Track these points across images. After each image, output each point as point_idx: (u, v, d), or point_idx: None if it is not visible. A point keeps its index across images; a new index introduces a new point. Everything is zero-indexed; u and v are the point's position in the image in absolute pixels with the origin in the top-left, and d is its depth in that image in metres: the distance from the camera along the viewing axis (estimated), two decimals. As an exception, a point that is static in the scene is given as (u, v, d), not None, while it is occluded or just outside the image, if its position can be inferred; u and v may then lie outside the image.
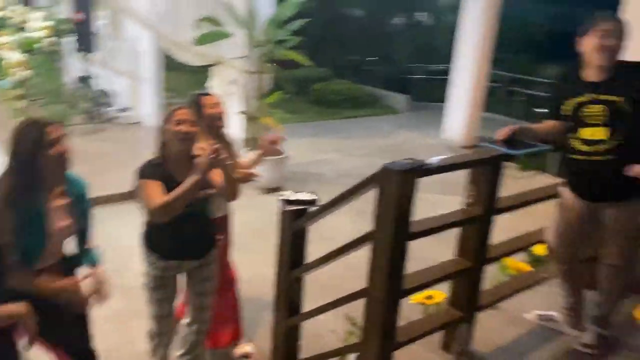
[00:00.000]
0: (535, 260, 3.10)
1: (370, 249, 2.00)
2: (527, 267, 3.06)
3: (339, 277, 3.04)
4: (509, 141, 2.30)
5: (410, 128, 8.41)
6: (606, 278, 2.61)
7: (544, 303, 2.92)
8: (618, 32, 2.25)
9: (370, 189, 2.01)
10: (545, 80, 10.19)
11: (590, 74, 2.35)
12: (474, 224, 2.27)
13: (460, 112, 7.65)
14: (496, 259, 2.55)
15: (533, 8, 14.05)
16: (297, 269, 2.52)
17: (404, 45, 13.57)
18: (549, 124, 2.50)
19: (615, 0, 2.59)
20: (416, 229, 2.01)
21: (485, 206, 2.26)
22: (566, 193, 2.56)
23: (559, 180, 2.62)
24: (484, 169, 2.22)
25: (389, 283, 1.97)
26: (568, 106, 2.39)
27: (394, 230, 1.91)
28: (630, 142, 2.28)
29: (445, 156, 2.18)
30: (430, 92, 10.60)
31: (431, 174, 1.99)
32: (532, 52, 12.87)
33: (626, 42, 2.26)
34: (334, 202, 2.19)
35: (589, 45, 2.28)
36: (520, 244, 2.72)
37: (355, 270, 2.43)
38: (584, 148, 2.35)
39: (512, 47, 11.63)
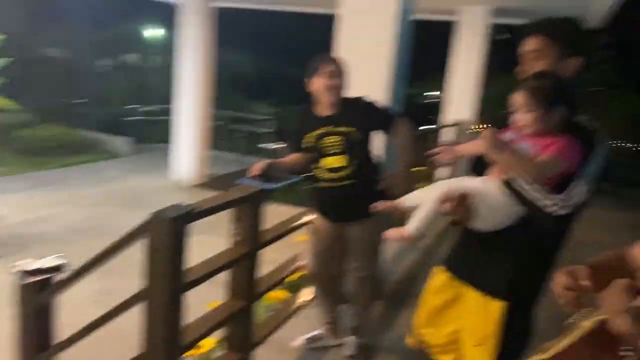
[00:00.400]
0: (291, 287, 3.27)
1: (144, 308, 1.80)
2: (285, 294, 3.20)
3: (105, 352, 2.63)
4: (263, 176, 2.40)
5: (137, 172, 8.03)
6: (358, 290, 2.92)
7: (308, 325, 3.09)
8: (339, 72, 2.57)
9: (135, 242, 1.83)
10: (261, 117, 11.08)
11: (322, 110, 2.62)
12: (243, 262, 2.27)
13: (187, 152, 7.68)
14: (265, 292, 2.60)
15: (244, 52, 15.23)
16: (46, 352, 2.11)
17: (115, 86, 13.02)
18: (293, 157, 2.69)
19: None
20: (191, 278, 1.90)
21: (251, 243, 2.29)
22: (317, 218, 2.79)
23: (310, 208, 2.84)
24: (246, 206, 2.24)
25: (166, 342, 1.80)
26: (308, 140, 2.62)
27: (169, 284, 1.77)
28: (365, 164, 2.63)
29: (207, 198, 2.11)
30: (152, 134, 10.36)
31: (201, 218, 1.91)
32: (246, 92, 13.90)
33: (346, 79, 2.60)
34: (93, 262, 1.91)
35: (317, 85, 2.55)
36: (283, 274, 2.84)
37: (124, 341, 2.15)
38: (328, 176, 2.60)
39: (229, 88, 12.30)
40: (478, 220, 1.66)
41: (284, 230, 2.71)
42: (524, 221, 1.62)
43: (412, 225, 1.73)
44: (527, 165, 1.56)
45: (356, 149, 2.59)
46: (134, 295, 1.83)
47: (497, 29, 8.78)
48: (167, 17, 9.19)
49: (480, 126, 8.46)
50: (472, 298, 1.81)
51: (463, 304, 1.86)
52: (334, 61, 2.58)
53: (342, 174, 2.58)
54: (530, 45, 1.71)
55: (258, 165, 2.43)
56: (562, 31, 1.69)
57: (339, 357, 2.89)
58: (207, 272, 2.00)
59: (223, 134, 10.59)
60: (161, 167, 7.94)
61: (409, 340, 2.09)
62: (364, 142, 2.63)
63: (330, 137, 2.58)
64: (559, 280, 1.20)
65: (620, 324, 0.82)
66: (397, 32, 3.34)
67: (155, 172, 7.98)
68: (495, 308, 1.72)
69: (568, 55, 1.67)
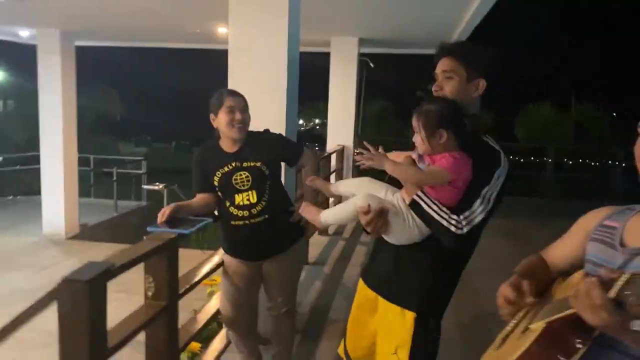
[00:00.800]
0: (207, 336, 3.08)
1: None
2: (199, 345, 3.00)
3: None
4: (172, 222, 2.24)
5: (1, 228, 7.15)
6: (277, 328, 2.82)
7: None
8: (245, 106, 2.51)
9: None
10: (131, 159, 10.50)
11: (228, 146, 2.53)
12: (164, 316, 2.08)
13: (56, 202, 7.06)
14: (186, 345, 2.41)
15: (109, 92, 14.44)
16: None
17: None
18: (201, 198, 2.55)
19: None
20: (113, 342, 1.69)
21: (169, 294, 2.11)
22: (229, 259, 2.65)
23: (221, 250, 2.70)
24: (161, 256, 2.07)
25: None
26: (216, 178, 2.50)
27: (91, 352, 1.56)
28: (277, 198, 2.57)
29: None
30: (13, 185, 9.33)
31: (116, 276, 1.71)
32: (112, 133, 13.14)
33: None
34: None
35: (222, 121, 2.46)
36: (199, 324, 2.65)
37: None
38: (240, 213, 2.49)
39: (94, 129, 11.56)
40: (391, 235, 1.75)
41: (200, 276, 2.54)
42: (434, 237, 1.71)
43: (328, 217, 1.87)
44: (411, 175, 1.70)
45: (266, 183, 2.53)
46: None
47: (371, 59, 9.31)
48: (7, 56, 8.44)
49: (357, 150, 8.84)
50: (386, 309, 1.86)
51: (379, 315, 1.90)
52: (238, 95, 2.51)
53: (255, 210, 2.50)
54: (442, 66, 1.81)
55: (166, 210, 2.27)
56: (471, 55, 1.79)
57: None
58: (129, 334, 1.80)
59: (93, 179, 9.86)
60: (27, 220, 7.16)
61: (339, 350, 2.10)
62: (274, 175, 2.57)
63: (239, 173, 2.49)
64: (505, 293, 1.26)
65: (597, 318, 0.88)
66: (287, 64, 3.36)
67: (23, 227, 7.17)
68: (408, 319, 1.79)
69: (476, 77, 1.78)
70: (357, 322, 2.01)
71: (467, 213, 1.64)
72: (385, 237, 1.79)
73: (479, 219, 1.64)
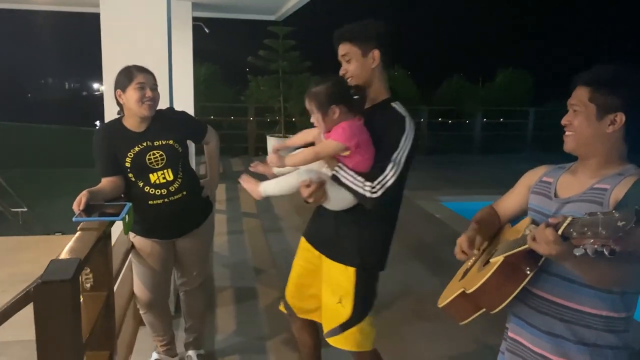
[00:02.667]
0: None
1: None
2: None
3: None
4: (88, 209, 2.13)
5: None
6: (192, 302, 2.87)
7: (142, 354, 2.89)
8: (154, 83, 2.44)
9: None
10: None
11: (135, 125, 2.45)
12: (108, 306, 2.02)
13: None
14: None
15: None
16: None
17: None
18: (111, 181, 2.43)
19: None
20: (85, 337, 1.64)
21: (108, 284, 2.05)
22: (142, 241, 2.60)
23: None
24: (97, 245, 1.99)
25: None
26: (128, 159, 2.42)
27: (74, 350, 1.51)
28: (189, 175, 2.59)
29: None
30: None
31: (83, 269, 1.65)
32: None
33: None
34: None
35: (131, 98, 2.37)
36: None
37: None
38: (158, 192, 2.46)
39: None
40: (329, 203, 2.00)
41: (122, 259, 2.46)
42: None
43: (268, 189, 2.03)
44: (307, 156, 1.96)
45: (180, 161, 2.53)
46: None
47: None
48: None
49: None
50: (330, 266, 2.12)
51: (324, 271, 2.17)
52: (148, 72, 2.42)
53: (172, 187, 2.49)
54: (340, 51, 2.06)
55: (82, 198, 2.14)
56: (356, 32, 2.03)
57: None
58: (92, 328, 1.74)
59: None
60: None
61: (280, 307, 2.37)
62: (184, 153, 2.57)
63: (152, 152, 2.44)
64: (462, 243, 1.62)
65: (551, 250, 1.22)
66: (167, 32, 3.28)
67: None
68: (350, 273, 2.06)
69: (369, 50, 2.00)
70: (300, 277, 2.27)
71: (380, 178, 1.92)
72: (325, 205, 2.03)
73: (391, 181, 1.92)
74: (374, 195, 1.90)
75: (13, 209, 7.19)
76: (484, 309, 1.50)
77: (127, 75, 2.38)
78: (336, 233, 2.10)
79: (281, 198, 2.01)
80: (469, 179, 9.34)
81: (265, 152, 10.53)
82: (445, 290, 1.72)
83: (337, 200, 1.98)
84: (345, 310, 2.08)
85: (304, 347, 2.42)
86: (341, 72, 2.06)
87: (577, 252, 1.12)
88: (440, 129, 12.95)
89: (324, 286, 2.18)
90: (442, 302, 1.62)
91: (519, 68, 13.93)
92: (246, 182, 2.09)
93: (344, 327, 2.09)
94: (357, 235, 2.07)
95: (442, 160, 11.10)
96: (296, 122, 11.21)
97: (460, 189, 8.29)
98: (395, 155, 1.94)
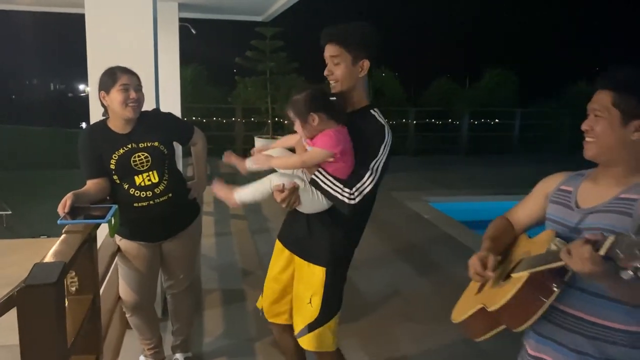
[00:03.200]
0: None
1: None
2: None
3: None
4: (73, 212, 2.11)
5: None
6: (179, 305, 2.85)
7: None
8: (138, 84, 2.42)
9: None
10: None
11: (120, 127, 2.43)
12: (94, 309, 2.00)
13: None
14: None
15: None
16: None
17: None
18: (95, 183, 2.41)
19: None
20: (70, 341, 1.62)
21: (94, 287, 2.03)
22: (127, 244, 2.58)
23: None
24: (82, 248, 1.97)
25: None
26: (113, 161, 2.40)
27: (58, 354, 1.50)
28: (175, 177, 2.57)
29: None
30: None
31: (67, 273, 1.63)
32: None
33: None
34: None
35: (115, 99, 2.34)
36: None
37: None
38: (144, 194, 2.44)
39: None
40: (302, 207, 2.01)
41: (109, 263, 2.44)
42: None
43: (242, 196, 2.04)
44: (293, 163, 1.99)
45: (165, 162, 2.51)
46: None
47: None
48: None
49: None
50: (301, 265, 2.15)
51: (295, 270, 2.20)
52: (132, 73, 2.40)
53: (158, 190, 2.47)
54: (329, 52, 2.03)
55: (67, 201, 2.11)
56: (351, 38, 2.01)
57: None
58: (77, 331, 1.72)
59: None
60: None
61: (257, 304, 2.44)
62: (170, 154, 2.55)
63: (137, 154, 2.42)
64: (474, 266, 1.49)
65: (586, 268, 1.15)
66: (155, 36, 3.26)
67: None
68: (319, 272, 2.09)
69: (360, 59, 2.00)
70: (272, 282, 2.31)
71: (358, 185, 1.94)
72: (298, 209, 2.03)
73: (369, 189, 1.94)
74: (352, 202, 1.92)
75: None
76: (503, 326, 1.42)
77: (110, 77, 2.35)
78: (308, 233, 2.12)
79: (268, 200, 2.03)
80: (456, 179, 9.39)
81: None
82: (459, 303, 1.64)
83: (311, 204, 2.00)
84: (313, 310, 2.10)
85: (286, 351, 2.41)
86: (326, 73, 2.06)
87: (625, 275, 1.04)
88: (428, 130, 13.00)
89: (295, 286, 2.20)
90: (458, 317, 1.54)
91: (506, 69, 14.04)
92: (219, 190, 2.08)
93: (311, 327, 2.11)
94: (330, 235, 2.08)
95: (429, 161, 11.16)
96: (284, 123, 11.20)
97: (447, 190, 8.34)
98: (373, 163, 1.95)
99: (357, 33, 2.02)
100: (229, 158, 2.20)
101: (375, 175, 1.95)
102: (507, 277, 1.43)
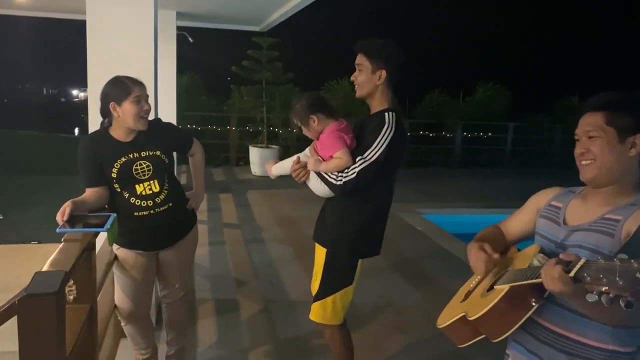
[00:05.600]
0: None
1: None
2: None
3: None
4: (71, 220, 2.12)
5: None
6: (174, 314, 2.85)
7: None
8: (147, 94, 2.45)
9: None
10: None
11: (122, 135, 2.44)
12: (91, 318, 2.00)
13: None
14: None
15: None
16: None
17: None
18: (94, 192, 2.41)
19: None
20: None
21: (92, 295, 2.03)
22: (125, 253, 2.58)
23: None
24: (82, 257, 1.97)
25: None
26: (114, 169, 2.40)
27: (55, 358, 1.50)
28: (175, 186, 2.59)
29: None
30: None
31: (67, 283, 1.64)
32: None
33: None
34: None
35: (128, 111, 2.36)
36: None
37: None
38: (144, 203, 2.45)
39: None
40: (309, 182, 2.37)
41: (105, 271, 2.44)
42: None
43: (276, 170, 2.53)
44: (332, 167, 2.25)
45: (166, 172, 2.53)
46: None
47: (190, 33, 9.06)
48: None
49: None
50: (316, 245, 2.50)
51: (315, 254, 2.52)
52: (142, 84, 2.42)
53: (158, 199, 2.48)
54: (357, 60, 2.35)
55: (66, 209, 2.12)
56: (373, 50, 2.30)
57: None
58: (76, 341, 1.73)
59: None
60: None
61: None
62: (171, 164, 2.57)
63: (139, 162, 2.43)
64: (476, 254, 1.54)
65: (556, 288, 1.18)
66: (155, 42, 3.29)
67: None
68: (322, 252, 2.43)
69: (378, 69, 2.29)
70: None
71: (344, 173, 2.23)
72: (308, 185, 2.38)
73: (353, 174, 2.20)
74: (338, 183, 2.23)
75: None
76: (484, 335, 1.46)
77: (122, 88, 2.36)
78: (323, 219, 2.48)
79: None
80: (449, 191, 9.45)
81: (246, 162, 10.50)
82: (446, 309, 1.68)
83: (315, 183, 2.33)
84: (317, 285, 2.46)
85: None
86: (352, 78, 2.37)
87: (590, 298, 1.06)
88: (421, 142, 13.08)
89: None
90: (442, 323, 1.58)
91: (498, 83, 14.18)
92: (270, 165, 2.55)
93: (314, 299, 2.47)
94: (336, 222, 2.40)
95: (422, 173, 11.21)
96: (278, 133, 11.22)
97: (441, 202, 8.38)
98: (368, 152, 2.20)
99: (380, 46, 2.31)
100: (269, 168, 2.56)
101: (365, 163, 2.19)
102: (491, 288, 1.47)
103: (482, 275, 1.56)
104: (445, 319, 1.58)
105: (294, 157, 2.40)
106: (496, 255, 1.52)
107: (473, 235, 1.72)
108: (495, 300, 1.37)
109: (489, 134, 13.58)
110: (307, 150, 2.42)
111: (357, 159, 2.20)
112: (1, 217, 7.25)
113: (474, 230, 1.80)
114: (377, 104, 2.35)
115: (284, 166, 2.45)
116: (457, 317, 1.51)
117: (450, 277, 4.68)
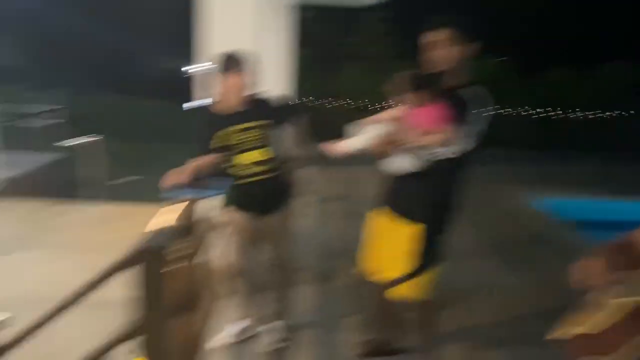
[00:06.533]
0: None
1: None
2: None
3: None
4: (189, 184, 2.31)
5: None
6: (276, 277, 3.01)
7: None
8: (252, 70, 2.60)
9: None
10: (50, 108, 9.73)
11: (229, 107, 2.60)
12: (196, 277, 2.17)
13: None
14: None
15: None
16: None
17: None
18: (208, 158, 2.62)
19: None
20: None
21: (197, 254, 2.20)
22: (236, 215, 2.77)
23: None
24: (191, 217, 2.14)
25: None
26: (220, 139, 2.58)
27: (165, 314, 1.67)
28: (280, 156, 2.73)
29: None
30: None
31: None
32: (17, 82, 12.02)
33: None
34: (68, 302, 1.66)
35: (232, 83, 2.54)
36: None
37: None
38: (250, 171, 2.62)
39: None
40: (390, 161, 2.42)
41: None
42: (428, 168, 2.32)
43: (354, 144, 2.46)
44: (437, 141, 2.25)
45: (271, 142, 2.66)
46: (126, 334, 1.66)
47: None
48: None
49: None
50: (398, 225, 2.47)
51: (392, 232, 2.49)
52: (246, 59, 2.56)
53: (264, 167, 2.64)
54: (440, 35, 2.30)
55: (186, 174, 2.34)
56: (457, 25, 2.30)
57: (267, 343, 2.97)
58: (181, 294, 1.90)
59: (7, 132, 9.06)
60: None
61: (356, 272, 2.79)
62: (276, 134, 2.70)
63: (247, 132, 2.59)
64: (579, 272, 1.42)
65: None
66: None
67: None
68: (413, 230, 2.40)
69: (469, 42, 2.32)
70: (372, 243, 2.68)
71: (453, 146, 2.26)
72: (387, 162, 2.43)
73: (461, 150, 2.25)
74: (446, 157, 2.25)
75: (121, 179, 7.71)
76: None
77: (228, 61, 2.54)
78: (409, 196, 2.46)
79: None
80: (567, 176, 8.83)
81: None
82: (573, 319, 1.52)
83: (394, 161, 2.40)
84: (397, 262, 2.45)
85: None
86: (433, 54, 2.33)
87: None
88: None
89: (393, 247, 2.49)
90: (565, 333, 1.47)
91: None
92: (328, 145, 2.53)
93: (407, 276, 2.45)
94: (435, 198, 2.41)
95: (538, 156, 10.55)
96: (385, 108, 11.12)
97: (554, 187, 7.87)
98: (470, 130, 2.23)
99: (461, 20, 2.34)
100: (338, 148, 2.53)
101: (471, 139, 2.25)
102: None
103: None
104: (567, 330, 1.46)
105: (373, 132, 2.39)
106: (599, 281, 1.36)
107: (594, 223, 1.50)
108: (615, 319, 1.27)
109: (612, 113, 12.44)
110: (379, 126, 2.42)
111: (462, 135, 2.21)
112: (138, 178, 7.89)
113: (595, 217, 1.59)
114: (459, 77, 2.36)
115: (363, 140, 2.42)
116: (578, 332, 1.40)
117: (556, 265, 4.43)
